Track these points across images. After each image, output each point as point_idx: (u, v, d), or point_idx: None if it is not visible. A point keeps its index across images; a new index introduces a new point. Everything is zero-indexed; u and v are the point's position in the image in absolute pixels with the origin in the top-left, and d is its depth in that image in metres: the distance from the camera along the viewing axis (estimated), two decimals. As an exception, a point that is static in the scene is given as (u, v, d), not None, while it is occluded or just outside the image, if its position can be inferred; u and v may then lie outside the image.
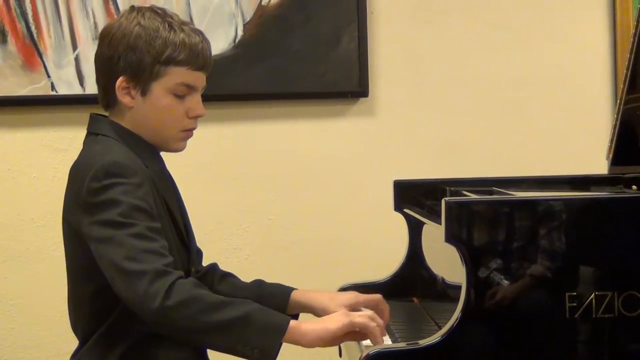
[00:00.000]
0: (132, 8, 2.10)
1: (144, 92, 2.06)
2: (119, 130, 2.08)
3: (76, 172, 2.04)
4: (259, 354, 1.85)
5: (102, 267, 1.91)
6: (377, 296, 2.19)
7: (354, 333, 1.97)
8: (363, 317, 1.96)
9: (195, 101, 2.10)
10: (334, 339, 1.93)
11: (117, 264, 1.87)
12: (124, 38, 2.04)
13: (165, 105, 2.07)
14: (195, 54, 2.07)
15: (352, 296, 2.19)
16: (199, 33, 2.10)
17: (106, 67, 2.07)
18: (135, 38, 2.04)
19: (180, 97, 2.08)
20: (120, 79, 2.05)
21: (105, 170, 1.94)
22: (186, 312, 1.83)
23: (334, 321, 1.94)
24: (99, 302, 2.02)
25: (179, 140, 2.13)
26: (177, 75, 2.06)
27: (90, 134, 2.12)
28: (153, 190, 2.01)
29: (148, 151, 2.10)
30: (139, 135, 2.09)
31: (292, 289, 2.25)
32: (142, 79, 2.05)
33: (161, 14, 2.08)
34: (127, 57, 2.04)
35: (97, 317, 2.03)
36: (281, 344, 1.88)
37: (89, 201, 1.94)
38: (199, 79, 2.11)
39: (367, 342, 2.02)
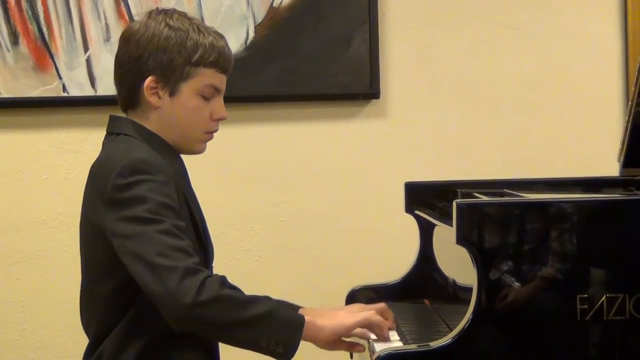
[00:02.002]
0: (158, 10, 2.12)
1: (172, 93, 2.07)
2: (140, 130, 2.09)
3: (98, 171, 2.04)
4: (282, 348, 1.89)
5: (126, 263, 1.91)
6: (381, 304, 2.20)
7: (360, 346, 2.03)
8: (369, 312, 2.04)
9: (219, 104, 2.13)
10: (347, 333, 1.98)
11: (147, 260, 1.87)
12: (154, 38, 2.05)
13: (193, 106, 2.09)
14: (223, 57, 2.10)
15: (358, 307, 2.20)
16: (223, 37, 2.13)
17: (133, 66, 2.08)
18: (166, 39, 2.05)
19: (206, 99, 2.10)
20: (150, 78, 2.06)
21: (131, 167, 1.95)
22: (217, 308, 1.86)
23: (346, 316, 2.00)
24: (116, 301, 2.02)
25: (201, 142, 2.15)
26: (206, 76, 2.08)
27: (110, 134, 2.12)
28: (177, 189, 2.02)
29: (170, 152, 2.11)
30: (160, 136, 2.10)
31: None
32: (171, 79, 2.06)
33: (186, 16, 2.11)
34: (157, 57, 2.05)
35: (113, 316, 2.03)
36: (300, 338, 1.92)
37: (114, 197, 1.94)
38: (224, 82, 2.14)
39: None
